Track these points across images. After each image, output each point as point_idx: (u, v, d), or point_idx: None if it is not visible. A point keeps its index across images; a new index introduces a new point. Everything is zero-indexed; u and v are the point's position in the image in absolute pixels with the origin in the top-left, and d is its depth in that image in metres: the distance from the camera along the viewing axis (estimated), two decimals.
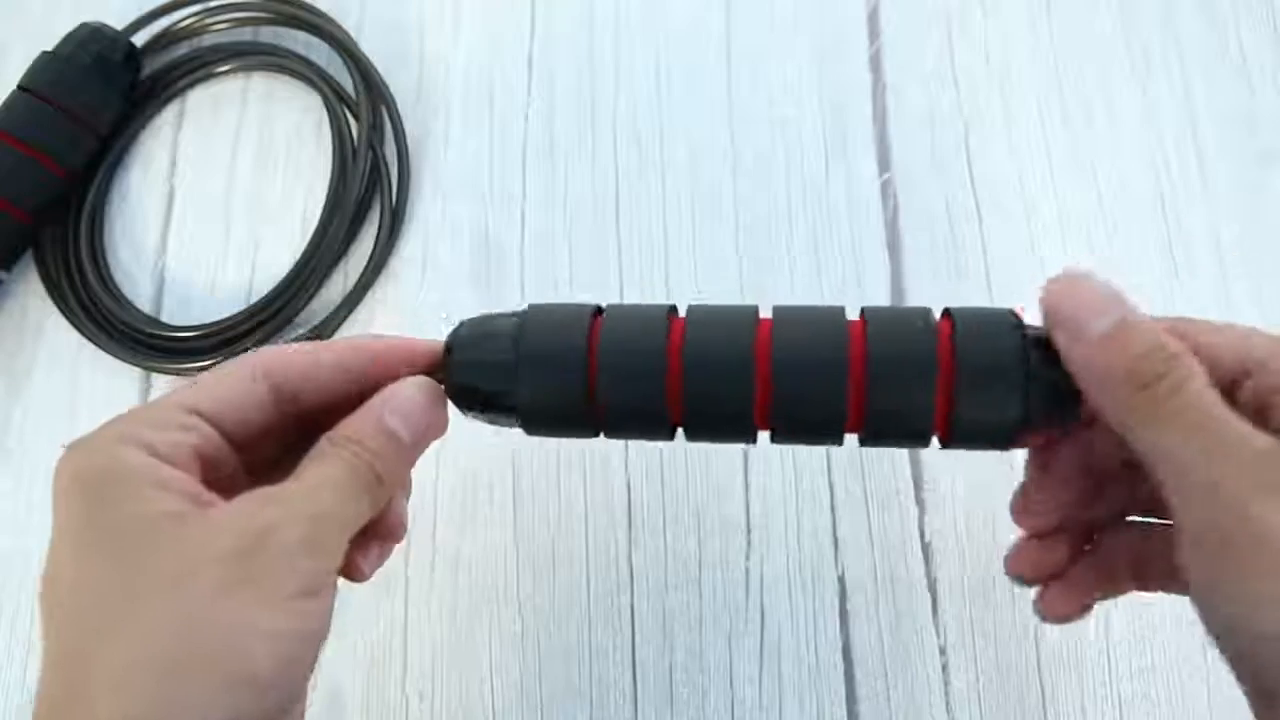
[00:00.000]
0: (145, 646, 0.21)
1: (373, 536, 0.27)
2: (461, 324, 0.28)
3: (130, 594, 0.21)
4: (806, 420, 0.26)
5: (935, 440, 0.26)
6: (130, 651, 0.21)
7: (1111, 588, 0.29)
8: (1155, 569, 0.28)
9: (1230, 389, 0.23)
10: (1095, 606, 0.28)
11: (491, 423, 0.28)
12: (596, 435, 0.28)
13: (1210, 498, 0.21)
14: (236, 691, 0.21)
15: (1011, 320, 0.26)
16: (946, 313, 0.26)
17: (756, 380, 0.25)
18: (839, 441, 0.27)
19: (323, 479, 0.24)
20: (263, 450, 0.27)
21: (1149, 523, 0.29)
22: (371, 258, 0.46)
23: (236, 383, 0.26)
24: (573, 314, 0.27)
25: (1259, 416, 0.23)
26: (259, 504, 0.23)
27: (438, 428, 0.27)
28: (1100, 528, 0.29)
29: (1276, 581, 0.20)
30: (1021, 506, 0.29)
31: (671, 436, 0.27)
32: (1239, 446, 0.21)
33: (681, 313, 0.27)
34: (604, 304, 0.28)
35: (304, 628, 0.23)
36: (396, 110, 0.48)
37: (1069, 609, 0.28)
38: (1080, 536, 0.29)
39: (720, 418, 0.26)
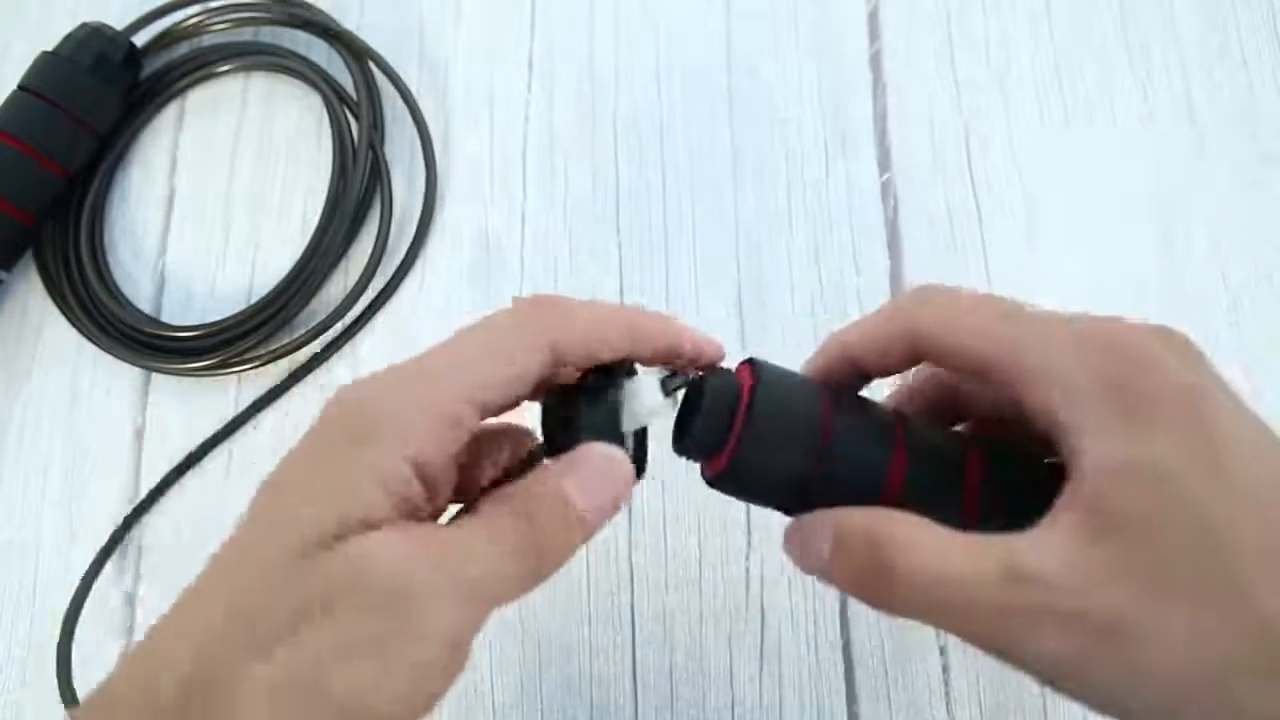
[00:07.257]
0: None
1: None
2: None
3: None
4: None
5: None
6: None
7: None
8: None
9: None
10: None
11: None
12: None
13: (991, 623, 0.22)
14: None
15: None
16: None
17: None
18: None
19: (491, 548, 0.22)
20: None
21: None
22: (371, 258, 0.46)
23: (516, 368, 0.24)
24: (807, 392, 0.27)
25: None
26: (422, 552, 0.21)
27: (623, 499, 0.25)
28: None
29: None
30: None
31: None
32: (974, 578, 0.22)
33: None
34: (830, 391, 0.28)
35: (430, 701, 0.21)
36: (418, 107, 0.48)
37: None
38: None
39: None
